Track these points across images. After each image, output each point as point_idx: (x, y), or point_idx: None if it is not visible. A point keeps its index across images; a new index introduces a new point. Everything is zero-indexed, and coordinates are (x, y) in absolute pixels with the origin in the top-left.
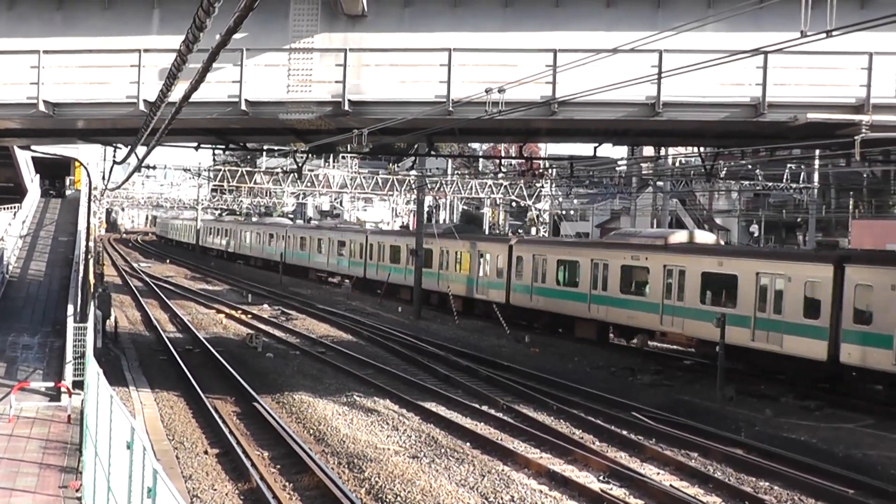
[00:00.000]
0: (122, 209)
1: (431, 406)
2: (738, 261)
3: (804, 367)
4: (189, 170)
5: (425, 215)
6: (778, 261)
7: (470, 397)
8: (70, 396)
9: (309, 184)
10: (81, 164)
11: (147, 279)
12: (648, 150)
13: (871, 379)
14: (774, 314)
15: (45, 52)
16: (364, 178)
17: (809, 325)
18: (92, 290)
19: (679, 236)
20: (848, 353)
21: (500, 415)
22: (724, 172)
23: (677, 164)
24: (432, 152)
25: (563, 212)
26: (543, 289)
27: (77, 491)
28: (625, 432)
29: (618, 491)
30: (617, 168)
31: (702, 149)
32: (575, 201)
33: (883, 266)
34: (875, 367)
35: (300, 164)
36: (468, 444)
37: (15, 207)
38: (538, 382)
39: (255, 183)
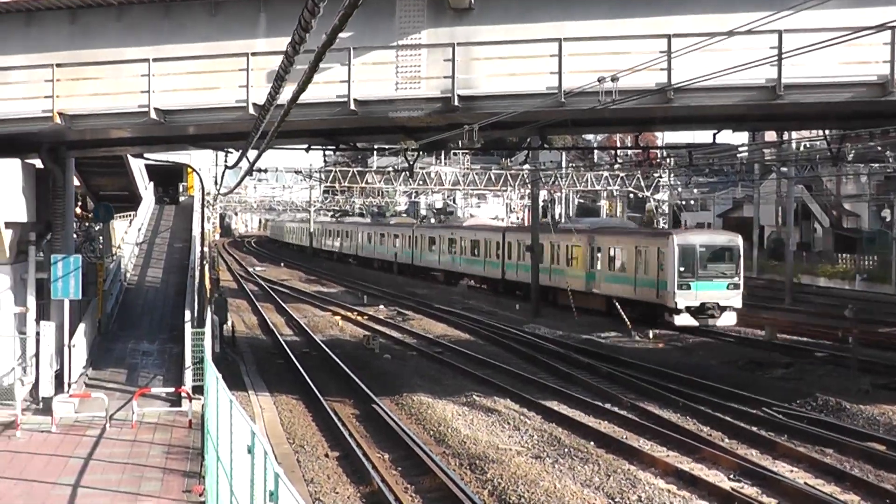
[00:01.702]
0: (236, 213)
1: (553, 405)
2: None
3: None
4: (300, 172)
5: (540, 210)
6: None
7: (592, 395)
8: (190, 401)
9: (421, 182)
10: (193, 170)
11: (262, 283)
12: (771, 135)
13: None
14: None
15: (155, 59)
16: (476, 174)
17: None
18: (208, 295)
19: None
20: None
21: (623, 413)
22: (851, 155)
23: (801, 148)
24: (545, 145)
25: (683, 202)
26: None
27: (200, 495)
28: (755, 429)
29: (749, 489)
30: (738, 155)
31: (827, 131)
32: (695, 191)
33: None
34: None
35: (411, 162)
36: (592, 443)
37: (130, 216)
38: (662, 378)
39: (367, 183)
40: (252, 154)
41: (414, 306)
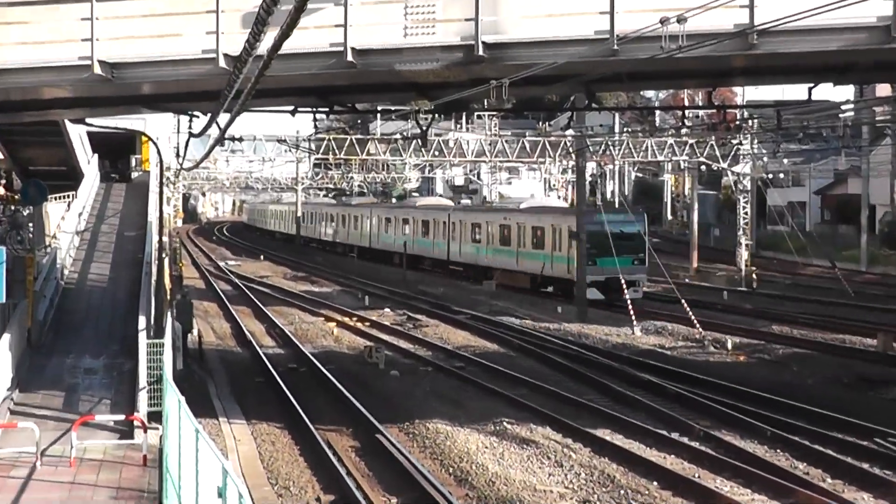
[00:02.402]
0: (203, 194)
1: (605, 434)
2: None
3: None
4: (285, 140)
5: (587, 187)
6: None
7: (655, 422)
8: (145, 432)
9: (437, 152)
10: (149, 138)
11: (237, 281)
12: (884, 89)
13: None
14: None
15: None
16: (507, 142)
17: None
18: (168, 297)
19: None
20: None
21: (695, 444)
22: None
23: None
24: (593, 105)
25: (770, 175)
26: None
27: None
28: (865, 465)
29: None
30: (840, 115)
31: None
32: (785, 161)
33: None
34: None
35: (424, 128)
36: (655, 483)
37: (69, 197)
38: (744, 400)
39: (369, 154)
40: (223, 119)
41: (428, 310)
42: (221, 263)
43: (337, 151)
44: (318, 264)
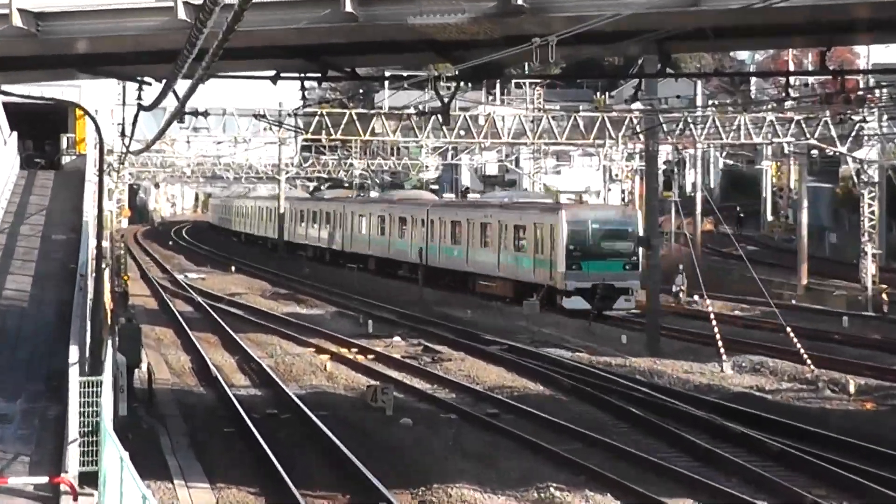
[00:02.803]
0: (157, 185)
1: None
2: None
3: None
4: (263, 116)
5: (660, 178)
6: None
7: (751, 489)
8: (75, 500)
9: (462, 132)
10: (86, 112)
11: (200, 300)
12: None
13: None
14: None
15: None
16: (553, 118)
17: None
18: (109, 321)
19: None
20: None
21: None
22: None
23: None
24: (668, 71)
25: None
26: None
27: None
28: None
29: None
30: None
31: None
32: None
33: None
34: None
35: (446, 101)
36: None
37: None
38: (872, 462)
39: (374, 134)
40: (183, 87)
41: (451, 338)
42: (180, 277)
43: (332, 130)
44: (306, 278)
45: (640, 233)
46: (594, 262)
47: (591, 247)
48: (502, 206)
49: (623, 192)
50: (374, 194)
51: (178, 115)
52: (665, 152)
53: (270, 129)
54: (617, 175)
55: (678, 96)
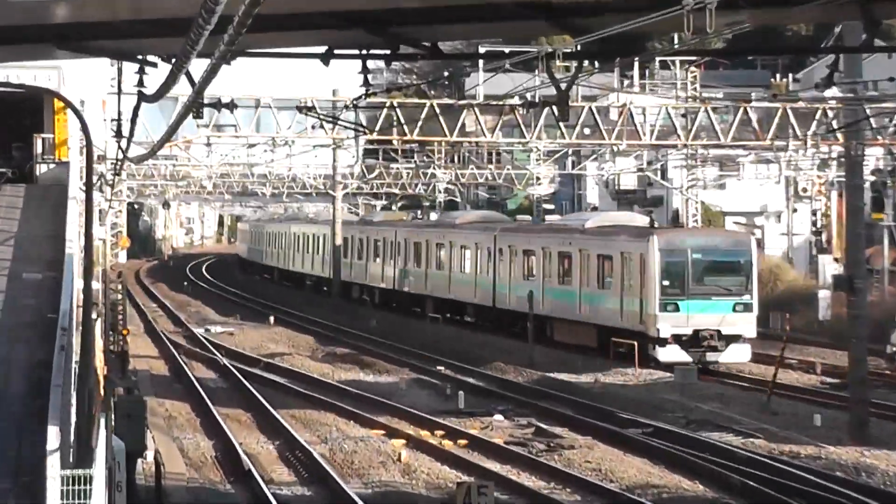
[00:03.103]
0: (166, 205)
1: None
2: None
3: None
4: (311, 109)
5: (866, 193)
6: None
7: None
8: None
9: (586, 130)
10: (68, 104)
11: (226, 363)
12: None
13: None
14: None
15: None
16: (714, 111)
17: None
18: (103, 392)
19: None
20: None
21: None
22: None
23: None
24: (877, 43)
25: None
26: None
27: None
28: None
29: None
30: None
31: None
32: None
33: None
34: None
35: (564, 88)
36: None
37: None
38: None
39: (464, 134)
40: (200, 69)
41: (572, 416)
42: (199, 331)
43: (406, 129)
44: (373, 333)
45: (754, 263)
46: (696, 301)
47: (693, 282)
48: (584, 232)
49: (814, 213)
50: (434, 216)
51: (195, 107)
52: (874, 158)
53: (321, 126)
54: (805, 189)
55: (892, 79)
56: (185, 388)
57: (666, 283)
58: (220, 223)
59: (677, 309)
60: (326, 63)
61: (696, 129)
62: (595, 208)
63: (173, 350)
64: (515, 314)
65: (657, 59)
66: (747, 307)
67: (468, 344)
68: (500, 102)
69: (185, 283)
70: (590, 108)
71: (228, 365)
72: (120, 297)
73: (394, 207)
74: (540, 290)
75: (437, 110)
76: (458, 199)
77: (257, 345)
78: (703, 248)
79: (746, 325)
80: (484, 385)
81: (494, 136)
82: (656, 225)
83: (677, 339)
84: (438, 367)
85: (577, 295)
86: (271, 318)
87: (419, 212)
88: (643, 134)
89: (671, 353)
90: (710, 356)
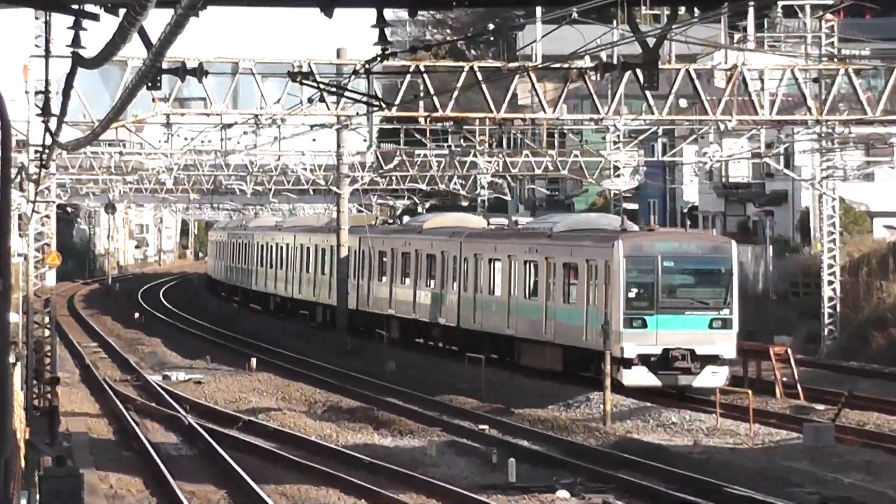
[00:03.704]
0: (110, 209)
1: None
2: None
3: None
4: (308, 75)
5: None
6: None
7: None
8: None
9: (681, 102)
10: None
11: (192, 422)
12: None
13: None
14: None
15: None
16: (859, 76)
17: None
18: (23, 461)
19: None
20: None
21: None
22: None
23: None
24: None
25: None
26: None
27: None
28: None
29: None
30: None
31: None
32: None
33: None
34: None
35: (652, 44)
36: None
37: None
38: None
39: (516, 109)
40: (158, 23)
41: (663, 491)
42: (155, 378)
43: (437, 102)
44: (391, 380)
45: (735, 273)
46: (667, 316)
47: (663, 294)
48: (551, 237)
49: None
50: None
51: (150, 75)
52: None
53: (321, 99)
54: None
55: None
56: (136, 456)
57: (632, 294)
58: (184, 232)
59: (644, 325)
60: (329, 13)
61: (834, 100)
62: (694, 209)
63: (120, 405)
64: (482, 336)
65: (779, 2)
66: (726, 323)
67: (518, 391)
68: (565, 65)
69: (137, 315)
70: (687, 72)
71: (195, 425)
72: (47, 333)
73: (420, 209)
74: (505, 308)
75: (480, 76)
76: (508, 197)
77: (234, 397)
78: (675, 255)
79: (725, 343)
80: (542, 449)
81: (557, 112)
82: (628, 227)
83: (644, 359)
84: (481, 427)
85: (542, 311)
86: (253, 362)
87: (397, 214)
88: (760, 106)
89: (637, 377)
90: (682, 380)
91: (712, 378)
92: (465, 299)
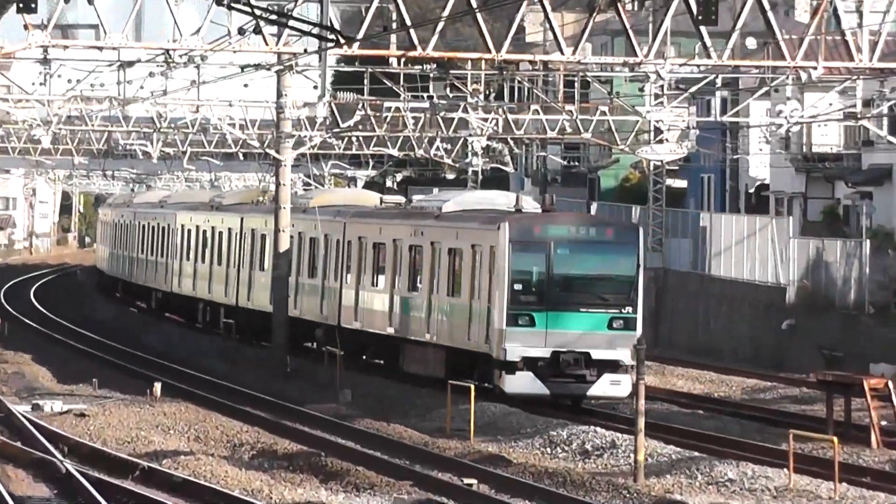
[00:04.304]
0: None
1: None
2: None
3: None
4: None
5: None
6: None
7: None
8: None
9: (750, 39)
10: None
11: (70, 466)
12: None
13: None
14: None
15: None
16: None
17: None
18: None
19: None
20: None
21: None
22: None
23: None
24: None
25: None
26: None
27: None
28: None
29: None
30: None
31: None
32: None
33: None
34: None
35: None
36: None
37: None
38: None
39: (522, 48)
40: None
41: None
42: (21, 409)
43: (415, 37)
44: (344, 416)
45: (641, 264)
46: (558, 313)
47: (555, 287)
48: (439, 217)
49: None
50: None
51: None
52: None
53: (256, 30)
54: None
55: None
56: None
57: (518, 287)
58: (66, 209)
59: (532, 323)
60: None
61: None
62: (763, 188)
63: None
64: (367, 337)
65: None
66: (628, 324)
67: (516, 427)
68: None
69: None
70: (757, 0)
71: (75, 473)
72: None
73: (389, 182)
74: (387, 302)
75: (473, 2)
76: (510, 168)
77: (131, 436)
78: (571, 241)
79: (627, 347)
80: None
81: (578, 53)
82: (524, 208)
83: (531, 364)
84: (467, 482)
85: (425, 306)
86: (157, 387)
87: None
88: (857, 50)
89: (521, 384)
90: (575, 389)
91: (611, 388)
92: (346, 292)
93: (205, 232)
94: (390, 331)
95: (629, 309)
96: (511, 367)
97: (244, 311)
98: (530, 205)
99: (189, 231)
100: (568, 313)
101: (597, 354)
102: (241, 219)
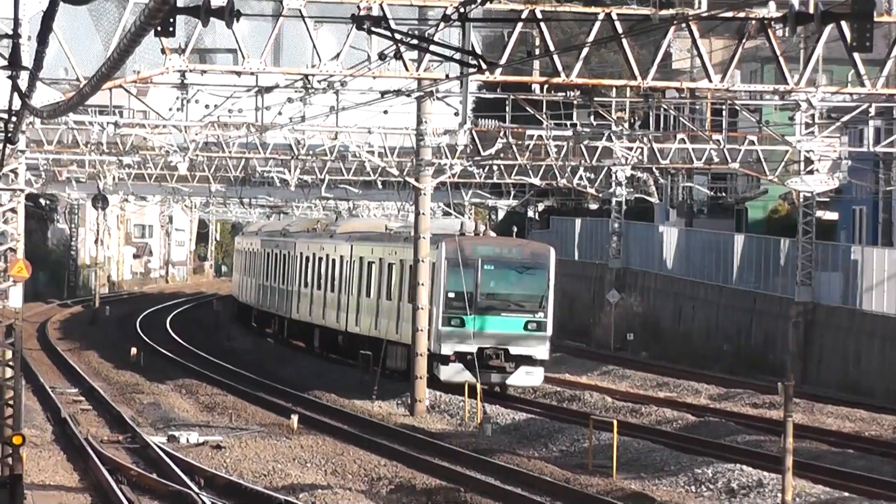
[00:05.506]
0: (99, 203)
1: None
2: None
3: None
4: (379, 20)
5: None
6: None
7: None
8: None
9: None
10: None
11: (207, 500)
12: None
13: None
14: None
15: None
16: None
17: None
18: None
19: None
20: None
21: None
22: None
23: None
24: None
25: None
26: None
27: None
28: None
29: None
30: None
31: None
32: None
33: None
34: None
35: None
36: None
37: None
38: None
39: (669, 75)
40: None
41: None
42: (157, 440)
43: (558, 63)
44: (487, 451)
45: (552, 278)
46: (483, 317)
47: (481, 296)
48: (407, 239)
49: None
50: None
51: (161, 15)
52: None
53: (396, 55)
54: None
55: None
56: None
57: (452, 295)
58: (202, 237)
59: (462, 324)
60: None
61: None
62: None
63: (107, 476)
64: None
65: None
66: (540, 326)
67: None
68: (738, 15)
69: (134, 351)
70: None
71: None
72: (9, 373)
73: (531, 212)
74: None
75: (619, 28)
76: (654, 199)
77: (267, 469)
78: (495, 259)
79: (538, 345)
80: None
81: (727, 80)
82: (467, 232)
83: (461, 357)
84: None
85: (394, 312)
86: (294, 420)
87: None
88: None
89: (453, 373)
90: (495, 378)
91: (526, 378)
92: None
93: (319, 259)
94: (356, 329)
95: (541, 314)
96: (445, 360)
97: (353, 336)
98: (469, 228)
99: (307, 259)
100: (492, 317)
101: (514, 350)
102: (351, 246)
